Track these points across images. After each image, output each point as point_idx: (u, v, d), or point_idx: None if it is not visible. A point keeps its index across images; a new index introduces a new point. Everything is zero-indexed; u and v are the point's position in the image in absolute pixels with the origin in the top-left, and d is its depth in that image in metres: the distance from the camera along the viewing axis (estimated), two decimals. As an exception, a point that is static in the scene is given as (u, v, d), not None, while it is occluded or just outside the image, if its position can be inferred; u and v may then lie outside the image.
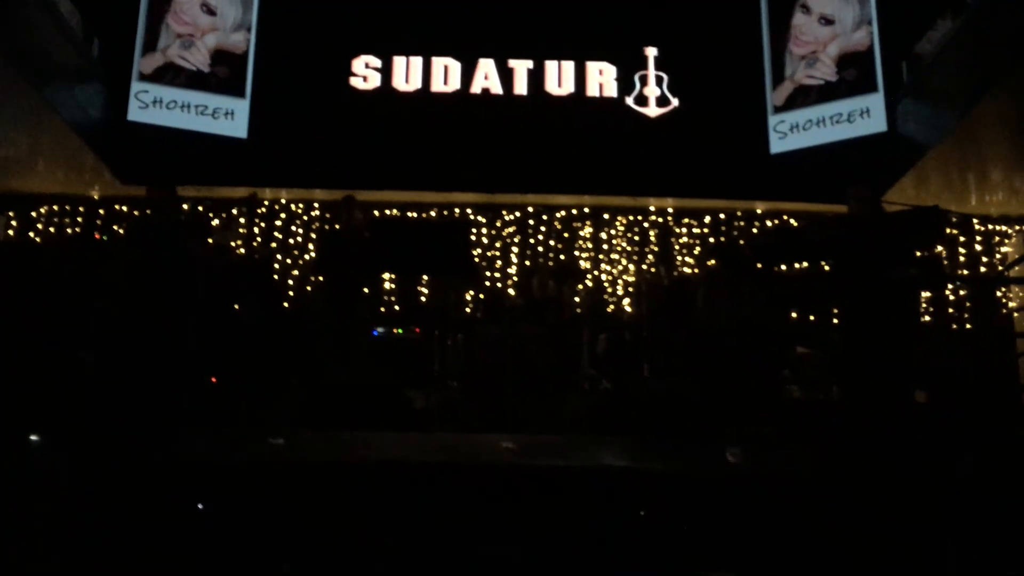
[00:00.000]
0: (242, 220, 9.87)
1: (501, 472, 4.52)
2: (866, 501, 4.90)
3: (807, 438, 5.33)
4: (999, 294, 9.09)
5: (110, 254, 6.21)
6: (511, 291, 9.44)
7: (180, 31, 9.45)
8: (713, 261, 9.20)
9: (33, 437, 4.55)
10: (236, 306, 6.25)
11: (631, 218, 9.94)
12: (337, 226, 9.63)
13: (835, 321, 7.50)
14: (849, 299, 5.76)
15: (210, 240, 7.34)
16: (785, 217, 9.81)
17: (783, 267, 8.19)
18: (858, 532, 4.80)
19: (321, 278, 7.54)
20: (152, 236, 5.96)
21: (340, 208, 7.76)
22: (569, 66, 9.77)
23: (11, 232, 9.63)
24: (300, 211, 9.95)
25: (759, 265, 6.86)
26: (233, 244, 9.48)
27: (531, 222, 9.96)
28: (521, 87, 9.73)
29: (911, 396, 5.75)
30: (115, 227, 9.63)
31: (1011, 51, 7.03)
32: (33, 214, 9.72)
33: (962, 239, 9.49)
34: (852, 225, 5.80)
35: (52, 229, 9.71)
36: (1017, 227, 9.48)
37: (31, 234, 9.62)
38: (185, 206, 9.66)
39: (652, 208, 9.94)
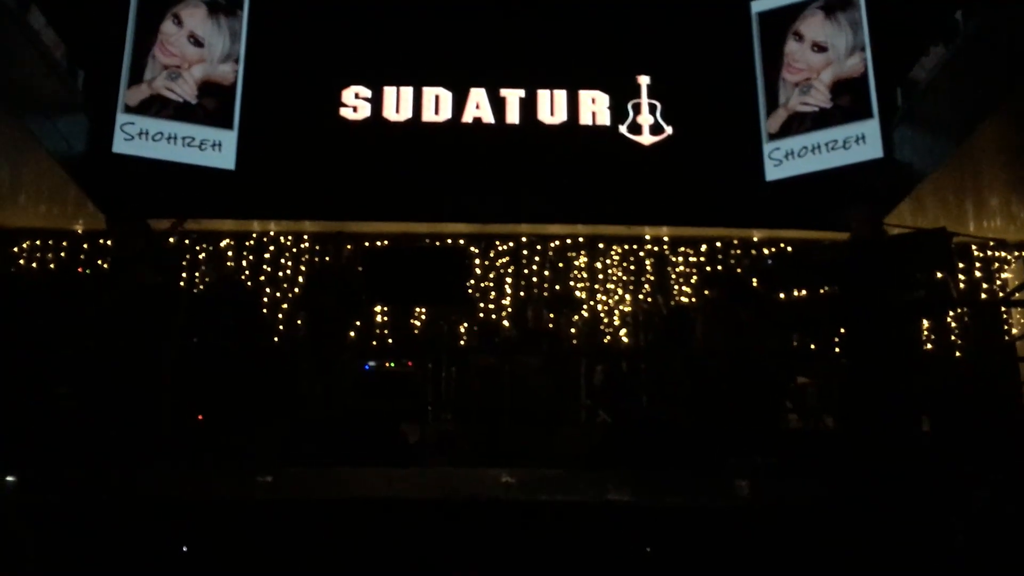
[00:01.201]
0: (229, 253, 9.68)
1: (500, 508, 4.30)
2: (874, 532, 4.71)
3: (811, 468, 5.15)
4: (1003, 318, 8.99)
5: (90, 287, 5.99)
6: (506, 322, 9.26)
7: (167, 62, 9.35)
8: (708, 292, 9.06)
9: (9, 478, 4.33)
10: (225, 342, 6.06)
11: (626, 247, 9.82)
12: (328, 259, 9.49)
13: (837, 349, 7.35)
14: (854, 324, 5.61)
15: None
16: (782, 244, 9.70)
17: (783, 295, 8.05)
18: (867, 564, 4.61)
19: (309, 311, 7.35)
20: (116, 268, 5.77)
21: (330, 243, 7.58)
22: (561, 95, 9.71)
23: (-8, 267, 9.44)
24: (289, 243, 9.79)
25: (762, 292, 6.72)
26: (215, 276, 9.32)
27: (525, 252, 9.83)
28: (513, 116, 9.66)
29: (916, 424, 5.59)
30: (99, 261, 9.43)
31: (1005, 77, 6.97)
32: (15, 249, 9.52)
33: (961, 265, 9.39)
34: (858, 248, 5.66)
35: (35, 264, 9.50)
36: (1016, 253, 9.39)
37: (12, 269, 9.41)
38: (172, 239, 9.58)
39: (647, 237, 9.83)
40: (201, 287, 9.38)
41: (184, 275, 9.40)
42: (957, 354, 9.00)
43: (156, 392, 4.86)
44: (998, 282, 9.40)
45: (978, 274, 9.41)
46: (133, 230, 5.93)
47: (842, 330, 5.92)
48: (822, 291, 6.89)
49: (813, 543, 4.58)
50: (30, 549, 3.97)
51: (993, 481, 4.78)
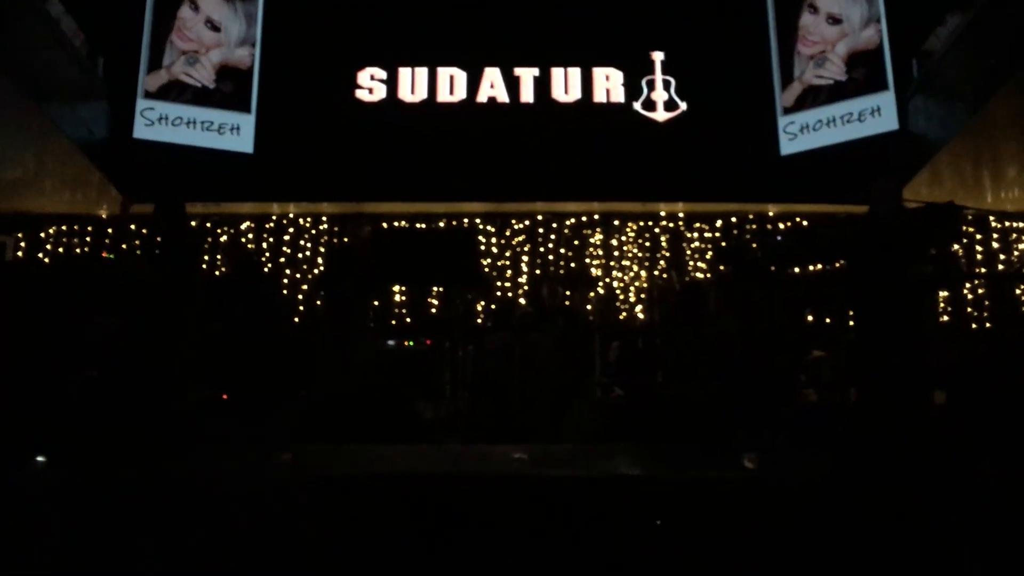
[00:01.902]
0: (250, 235, 9.84)
1: (512, 482, 4.42)
2: (884, 507, 4.77)
3: (823, 443, 5.21)
4: (1018, 291, 8.97)
5: (117, 272, 6.15)
6: (522, 300, 9.36)
7: (185, 48, 9.47)
8: (723, 267, 9.09)
9: (40, 458, 4.49)
10: (245, 325, 6.19)
11: (641, 224, 9.86)
12: (345, 239, 9.61)
13: (850, 323, 7.38)
14: (864, 299, 5.64)
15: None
16: (797, 219, 9.70)
17: (796, 269, 8.08)
18: (877, 540, 4.67)
19: (328, 291, 7.48)
20: (165, 255, 5.90)
21: (348, 224, 7.69)
22: (575, 73, 9.72)
23: (20, 253, 9.64)
24: (308, 224, 9.92)
25: (772, 268, 6.75)
26: (231, 260, 9.49)
27: (540, 230, 9.90)
28: (527, 95, 9.69)
29: (929, 397, 5.62)
30: (123, 245, 9.62)
31: (1020, 45, 6.92)
32: (41, 235, 9.73)
33: (978, 236, 9.35)
34: (866, 223, 5.69)
35: (60, 249, 9.71)
36: (1034, 224, 9.36)
37: (40, 255, 9.62)
38: (193, 223, 9.76)
39: (663, 213, 9.86)
40: (222, 269, 9.55)
41: (206, 258, 9.59)
42: (973, 326, 8.98)
43: (180, 373, 5.01)
44: (1016, 253, 9.34)
45: (995, 245, 9.36)
46: (171, 215, 6.05)
47: (852, 305, 5.96)
48: (837, 265, 6.92)
49: (823, 517, 4.65)
50: (56, 527, 4.13)
51: (999, 452, 4.82)
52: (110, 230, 9.80)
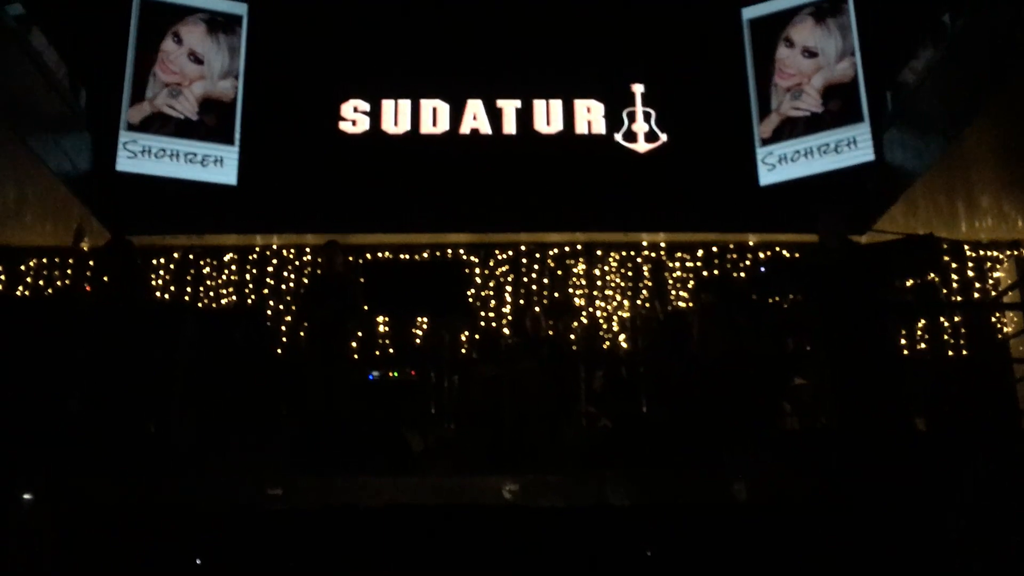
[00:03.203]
0: (233, 267, 9.81)
1: (503, 514, 4.43)
2: (869, 527, 4.83)
3: (807, 467, 5.25)
4: (994, 319, 9.09)
5: (97, 303, 6.12)
6: (506, 330, 9.37)
7: (167, 80, 9.50)
8: (705, 295, 9.15)
9: (26, 496, 4.45)
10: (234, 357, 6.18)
11: (624, 254, 9.91)
12: (319, 271, 9.56)
13: (830, 351, 7.45)
14: (843, 328, 5.71)
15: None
16: (777, 248, 9.79)
17: (777, 298, 8.15)
18: (864, 558, 4.73)
19: (309, 322, 7.47)
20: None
21: (323, 253, 7.67)
22: (557, 104, 9.86)
23: (0, 286, 9.54)
24: (292, 256, 9.91)
25: (753, 296, 6.83)
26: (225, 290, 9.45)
27: (524, 260, 9.93)
28: (510, 126, 9.81)
29: (910, 423, 5.69)
30: (104, 277, 9.54)
31: (992, 78, 7.10)
32: (22, 267, 9.63)
33: (954, 265, 9.48)
34: (845, 254, 5.78)
35: (41, 282, 9.61)
36: (1008, 252, 9.50)
37: (20, 288, 9.51)
38: (176, 255, 9.74)
39: (644, 243, 9.93)
40: (208, 303, 9.49)
41: (188, 290, 9.56)
42: (950, 353, 9.08)
43: (166, 405, 4.99)
44: (990, 281, 9.48)
45: (971, 273, 9.50)
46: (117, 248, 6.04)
47: (833, 332, 6.02)
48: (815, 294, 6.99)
49: (808, 538, 4.70)
50: (47, 558, 4.09)
51: (982, 474, 4.89)
52: (91, 262, 9.71)
